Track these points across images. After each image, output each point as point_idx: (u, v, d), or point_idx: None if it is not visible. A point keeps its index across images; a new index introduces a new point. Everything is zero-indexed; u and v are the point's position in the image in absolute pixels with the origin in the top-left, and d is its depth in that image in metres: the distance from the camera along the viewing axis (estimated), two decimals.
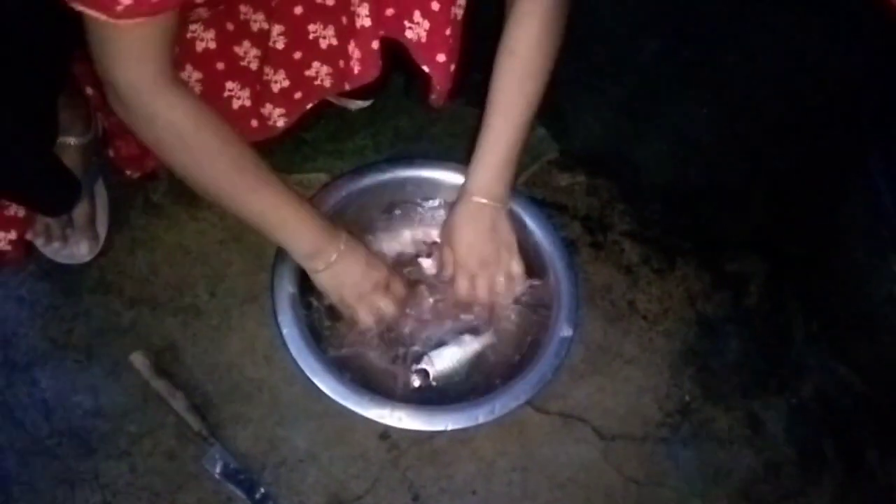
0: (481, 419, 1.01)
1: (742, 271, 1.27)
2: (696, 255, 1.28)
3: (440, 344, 1.10)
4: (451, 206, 1.09)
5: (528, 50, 0.99)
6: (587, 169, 1.33)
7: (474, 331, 1.11)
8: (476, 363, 1.10)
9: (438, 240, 1.15)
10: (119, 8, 0.73)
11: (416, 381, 1.09)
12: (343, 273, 1.02)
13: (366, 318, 1.05)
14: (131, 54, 0.80)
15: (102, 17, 0.74)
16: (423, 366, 1.09)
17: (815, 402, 1.18)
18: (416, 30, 0.97)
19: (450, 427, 1.01)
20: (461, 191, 1.06)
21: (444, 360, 1.09)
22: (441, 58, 0.99)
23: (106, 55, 0.81)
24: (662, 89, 1.42)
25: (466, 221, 1.05)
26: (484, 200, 1.04)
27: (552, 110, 1.36)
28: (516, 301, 1.11)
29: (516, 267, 1.08)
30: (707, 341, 1.21)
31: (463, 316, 1.11)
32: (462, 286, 1.07)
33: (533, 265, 1.14)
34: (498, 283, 1.07)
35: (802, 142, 1.35)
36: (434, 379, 1.09)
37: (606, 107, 1.40)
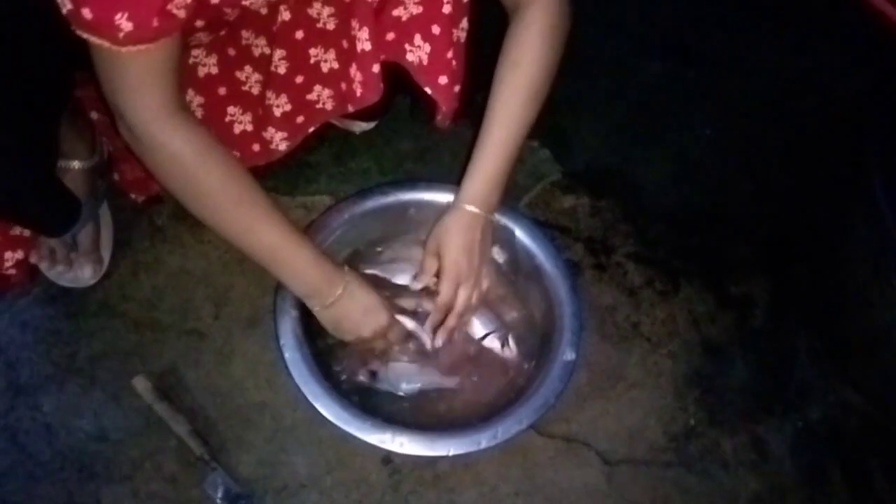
0: (484, 444, 1.00)
1: (747, 293, 1.27)
2: (700, 276, 1.27)
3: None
4: (441, 214, 1.07)
5: (530, 62, 0.98)
6: (590, 191, 1.33)
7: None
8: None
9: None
10: (121, 35, 0.74)
11: (362, 377, 1.09)
12: (341, 316, 1.02)
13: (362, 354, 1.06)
14: (136, 83, 0.81)
15: (106, 44, 0.75)
16: (373, 367, 1.09)
17: (821, 426, 1.17)
18: (417, 53, 0.98)
19: (452, 452, 1.00)
20: (455, 199, 1.06)
21: (396, 371, 1.09)
22: (443, 80, 0.99)
23: (113, 84, 0.82)
24: (665, 111, 1.44)
25: (459, 230, 1.04)
26: (477, 210, 1.03)
27: (555, 132, 1.37)
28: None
29: (486, 283, 1.09)
30: (712, 364, 1.20)
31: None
32: (447, 293, 1.05)
33: (530, 288, 1.15)
34: (475, 297, 1.07)
35: (806, 163, 1.35)
36: (381, 381, 1.09)
37: (609, 128, 1.41)
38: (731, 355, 1.21)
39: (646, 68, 1.47)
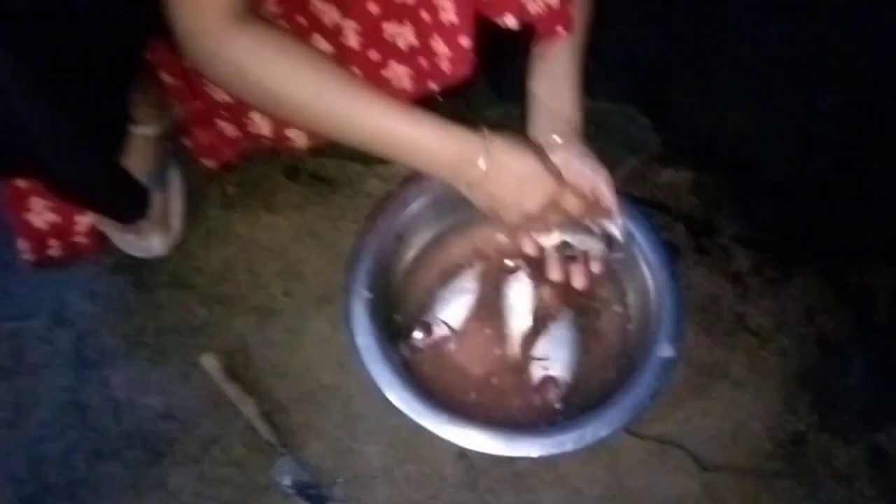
0: (570, 447, 0.93)
1: (868, 284, 1.15)
2: (815, 263, 1.16)
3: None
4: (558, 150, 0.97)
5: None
6: (693, 164, 1.23)
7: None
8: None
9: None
10: None
11: (557, 403, 1.01)
12: (496, 194, 0.88)
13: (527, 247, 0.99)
14: None
15: None
16: (549, 373, 1.01)
17: None
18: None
19: (534, 454, 0.93)
20: (564, 134, 0.98)
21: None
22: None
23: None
24: (782, 75, 1.31)
25: (569, 156, 0.96)
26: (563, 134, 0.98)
27: (655, 98, 1.26)
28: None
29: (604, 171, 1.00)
30: (827, 363, 1.10)
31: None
32: (605, 192, 0.98)
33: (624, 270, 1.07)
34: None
35: None
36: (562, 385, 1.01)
37: (717, 94, 1.30)
38: (849, 354, 1.11)
39: (762, 27, 1.33)
